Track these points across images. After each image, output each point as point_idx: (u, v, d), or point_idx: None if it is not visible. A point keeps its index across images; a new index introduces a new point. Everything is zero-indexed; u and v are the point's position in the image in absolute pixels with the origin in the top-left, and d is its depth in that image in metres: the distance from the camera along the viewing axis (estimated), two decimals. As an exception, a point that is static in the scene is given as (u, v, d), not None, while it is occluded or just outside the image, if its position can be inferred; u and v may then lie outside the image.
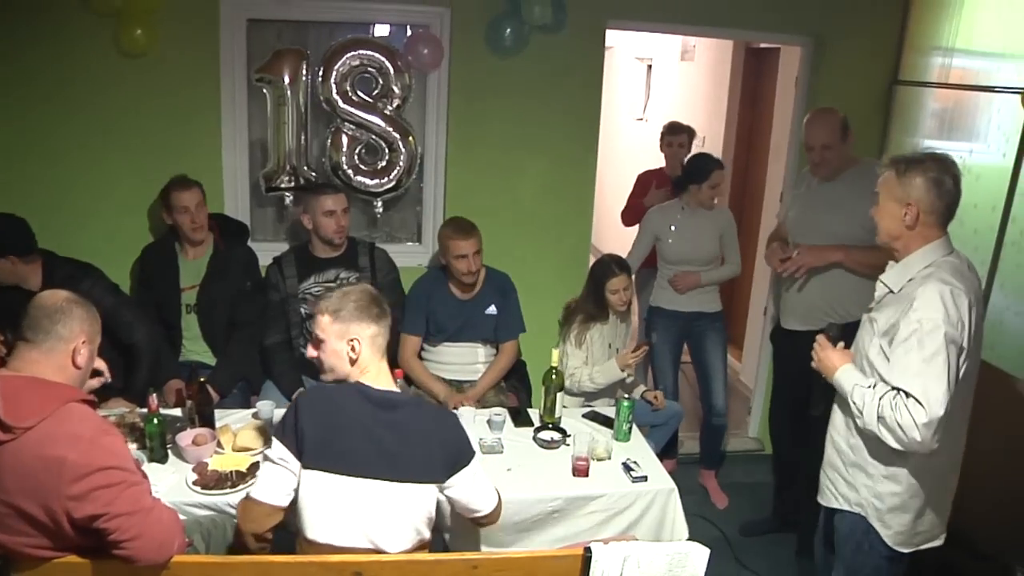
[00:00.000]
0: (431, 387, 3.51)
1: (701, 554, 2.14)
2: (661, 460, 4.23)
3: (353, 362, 2.20)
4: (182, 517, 2.46)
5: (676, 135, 4.82)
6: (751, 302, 5.26)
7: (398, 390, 2.27)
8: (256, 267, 3.69)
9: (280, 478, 2.16)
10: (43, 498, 1.88)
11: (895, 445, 2.21)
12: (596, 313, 3.58)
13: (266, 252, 3.78)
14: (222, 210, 3.88)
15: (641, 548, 2.11)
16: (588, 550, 2.08)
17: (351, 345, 2.19)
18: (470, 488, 2.27)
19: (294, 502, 2.18)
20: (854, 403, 2.29)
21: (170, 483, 2.62)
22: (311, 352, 2.27)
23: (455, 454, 2.22)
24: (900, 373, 2.19)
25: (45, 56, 3.56)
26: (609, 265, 3.58)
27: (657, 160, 4.95)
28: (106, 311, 3.13)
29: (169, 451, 2.79)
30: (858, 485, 2.42)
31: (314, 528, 2.17)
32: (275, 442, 2.17)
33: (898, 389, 2.19)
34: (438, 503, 2.29)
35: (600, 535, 2.71)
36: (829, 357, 2.40)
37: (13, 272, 3.10)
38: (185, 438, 2.79)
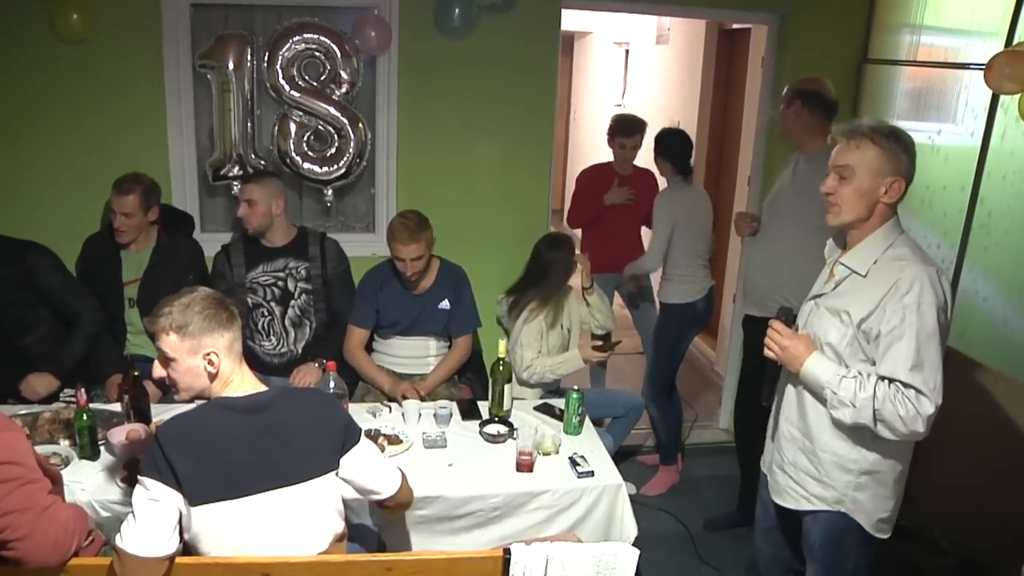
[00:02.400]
0: (375, 378, 3.40)
1: (630, 556, 2.04)
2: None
3: (213, 376, 1.99)
4: (105, 514, 2.40)
5: (630, 136, 4.23)
6: (724, 289, 5.15)
7: (264, 388, 2.08)
8: (201, 260, 3.58)
9: (160, 521, 1.89)
10: None
11: (889, 436, 2.07)
12: (551, 294, 3.50)
13: (217, 243, 3.67)
14: (170, 201, 3.78)
15: (566, 549, 2.01)
16: (507, 551, 1.98)
17: (208, 359, 1.97)
18: (364, 468, 2.14)
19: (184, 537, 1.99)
20: (836, 394, 2.10)
21: (98, 480, 2.53)
22: (158, 372, 2.03)
23: (339, 434, 2.08)
24: (894, 363, 2.04)
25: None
26: (572, 249, 3.51)
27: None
28: (51, 287, 3.21)
29: (102, 448, 2.70)
30: (836, 483, 2.24)
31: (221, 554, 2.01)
32: (147, 480, 1.89)
33: (891, 379, 2.05)
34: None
35: (544, 533, 2.62)
36: (796, 346, 2.18)
37: None
38: (117, 434, 2.68)
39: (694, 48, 5.85)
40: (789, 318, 2.26)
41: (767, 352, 2.25)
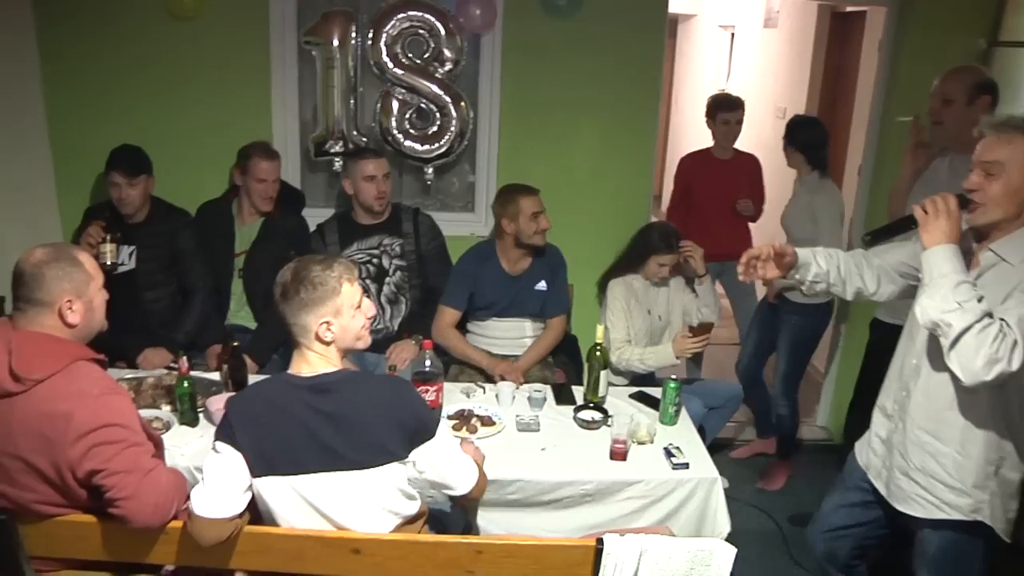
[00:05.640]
0: (470, 355, 3.40)
1: (727, 553, 1.96)
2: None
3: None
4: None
5: (734, 111, 4.17)
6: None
7: (335, 368, 2.03)
8: (305, 238, 3.60)
9: (227, 482, 1.95)
10: (50, 453, 1.91)
11: (953, 361, 1.91)
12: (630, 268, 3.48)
13: (318, 219, 3.72)
14: (273, 176, 3.84)
15: (660, 542, 1.95)
16: (600, 541, 1.93)
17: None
18: (437, 464, 2.09)
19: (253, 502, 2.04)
20: (943, 290, 1.93)
21: (197, 447, 2.58)
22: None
23: (412, 428, 2.02)
24: (1008, 309, 1.92)
25: (97, 17, 3.60)
26: (668, 238, 3.41)
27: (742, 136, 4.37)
28: (184, 253, 3.43)
29: (201, 415, 2.77)
30: (975, 488, 2.11)
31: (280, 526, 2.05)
32: (217, 443, 1.97)
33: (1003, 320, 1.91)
34: None
35: (635, 523, 2.56)
36: (949, 226, 1.98)
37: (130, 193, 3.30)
38: (215, 402, 2.75)
39: (804, 32, 5.64)
40: (964, 202, 2.07)
41: (917, 209, 2.06)
